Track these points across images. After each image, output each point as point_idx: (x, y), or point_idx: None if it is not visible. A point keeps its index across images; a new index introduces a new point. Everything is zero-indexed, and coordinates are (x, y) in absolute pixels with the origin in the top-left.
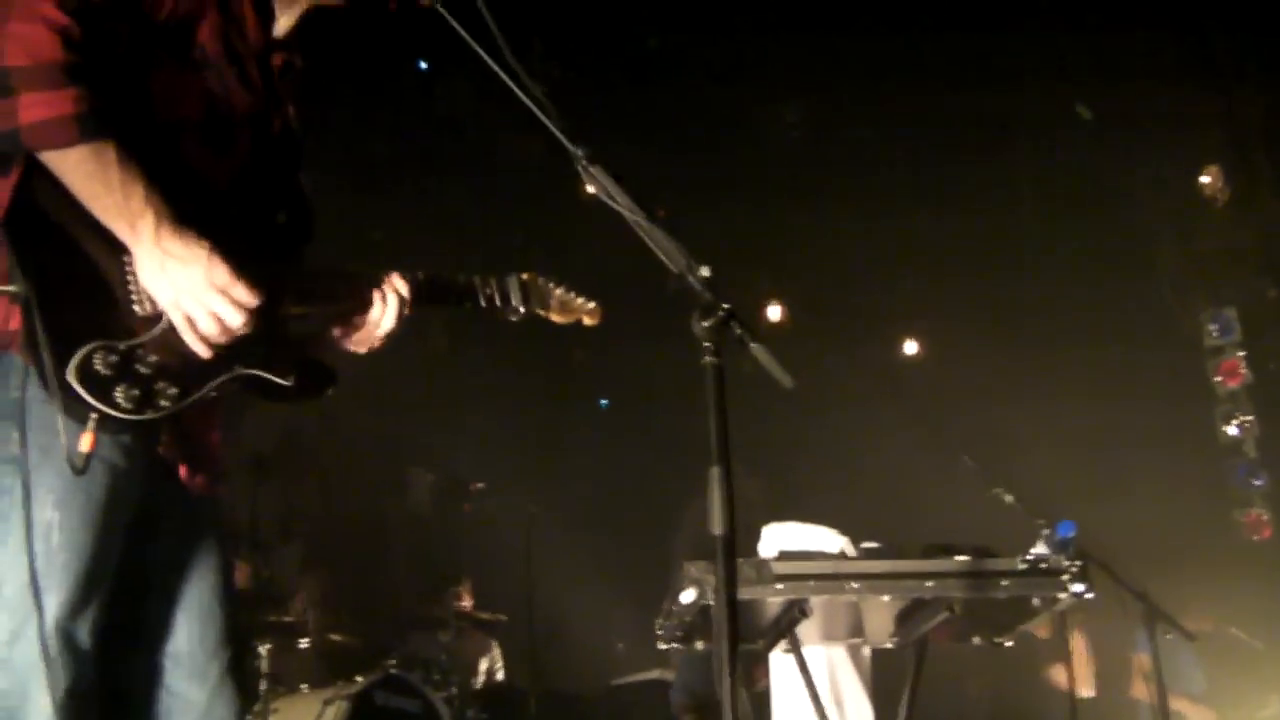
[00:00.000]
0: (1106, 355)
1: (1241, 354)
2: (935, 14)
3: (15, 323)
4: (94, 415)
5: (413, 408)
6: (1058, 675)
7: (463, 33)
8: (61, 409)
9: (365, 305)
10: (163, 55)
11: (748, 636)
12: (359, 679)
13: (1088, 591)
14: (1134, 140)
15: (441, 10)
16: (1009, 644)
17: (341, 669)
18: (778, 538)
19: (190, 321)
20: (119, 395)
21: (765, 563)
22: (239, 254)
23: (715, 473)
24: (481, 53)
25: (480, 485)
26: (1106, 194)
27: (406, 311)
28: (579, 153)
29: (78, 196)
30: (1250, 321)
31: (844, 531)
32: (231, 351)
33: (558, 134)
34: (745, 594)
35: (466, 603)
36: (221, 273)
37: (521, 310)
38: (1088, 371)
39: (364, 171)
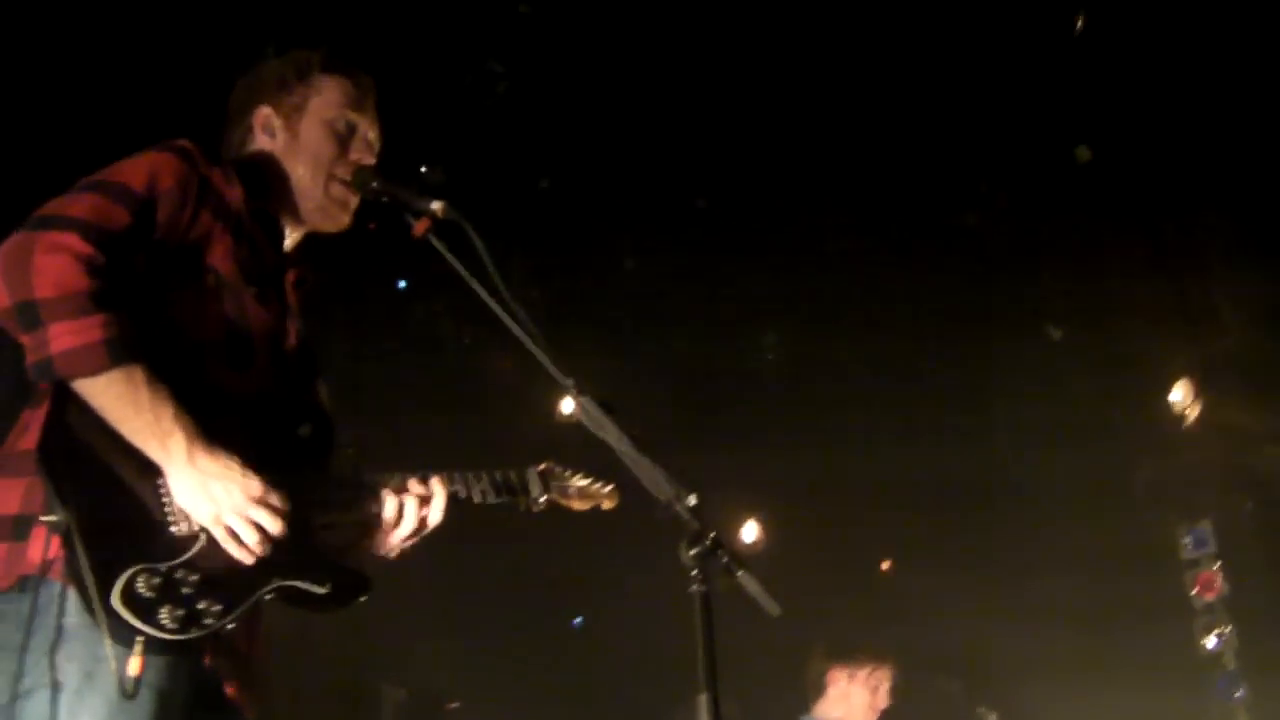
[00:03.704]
0: (1084, 573)
1: (1217, 566)
2: (910, 247)
3: (55, 550)
4: (140, 638)
5: (385, 621)
6: None
7: (456, 264)
8: (109, 634)
9: (384, 512)
10: (178, 280)
11: None
12: None
13: None
14: (1103, 361)
15: (435, 242)
16: None
17: None
18: None
19: (232, 534)
20: (164, 616)
21: None
22: (266, 466)
23: (703, 700)
24: (472, 282)
25: (455, 705)
26: (1078, 415)
27: (431, 515)
28: (569, 383)
29: (109, 420)
30: (1225, 534)
31: None
32: (268, 565)
33: (547, 364)
34: None
35: None
36: (255, 484)
37: (542, 501)
38: (1066, 590)
39: (340, 389)
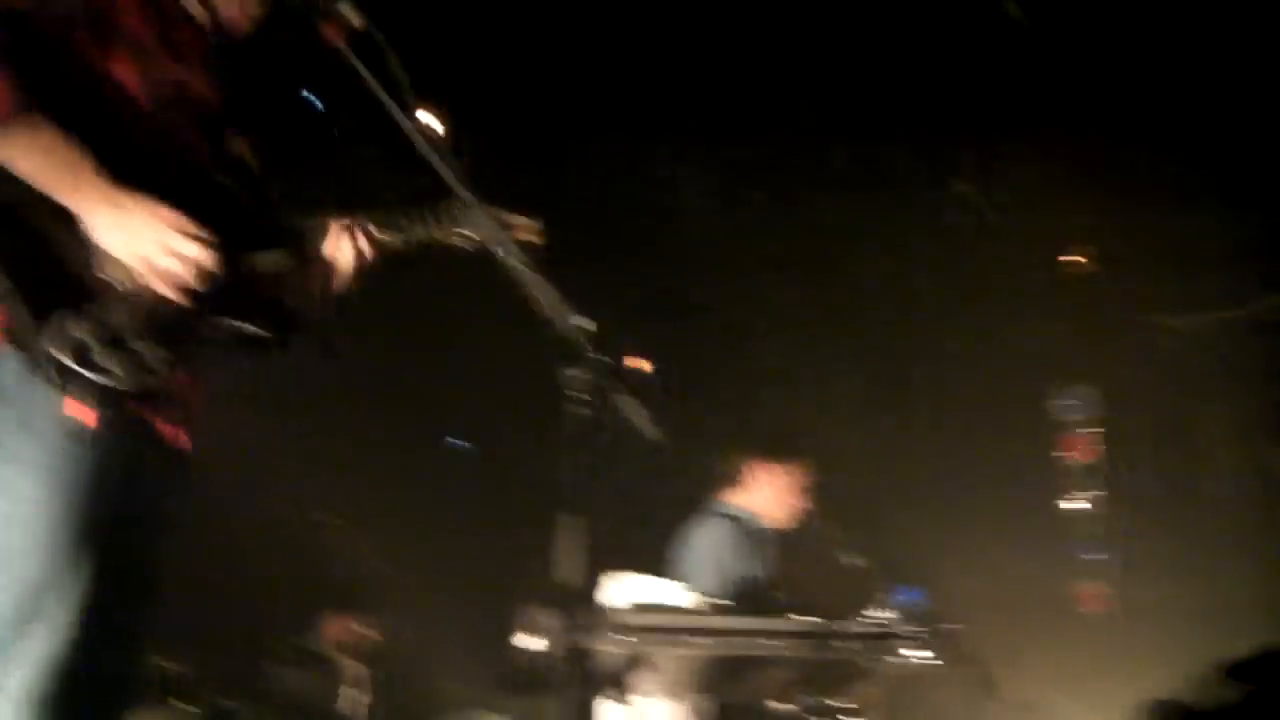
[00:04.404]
0: (960, 423)
1: (1092, 431)
2: (821, 95)
3: None
4: (86, 388)
5: (266, 434)
6: None
7: (365, 73)
8: (58, 386)
9: (323, 253)
10: (91, 43)
11: (586, 686)
12: (182, 707)
13: (930, 658)
14: (1006, 219)
15: (346, 50)
16: (845, 705)
17: (165, 696)
18: (622, 588)
19: (153, 267)
20: (110, 364)
21: (608, 612)
22: (191, 212)
23: (567, 519)
24: (382, 95)
25: (328, 517)
26: (977, 269)
27: (364, 252)
28: (470, 197)
29: (21, 172)
30: (1104, 399)
31: None
32: (205, 307)
33: (450, 179)
34: (587, 643)
35: (311, 637)
36: (169, 211)
37: (456, 237)
38: (940, 439)
39: None
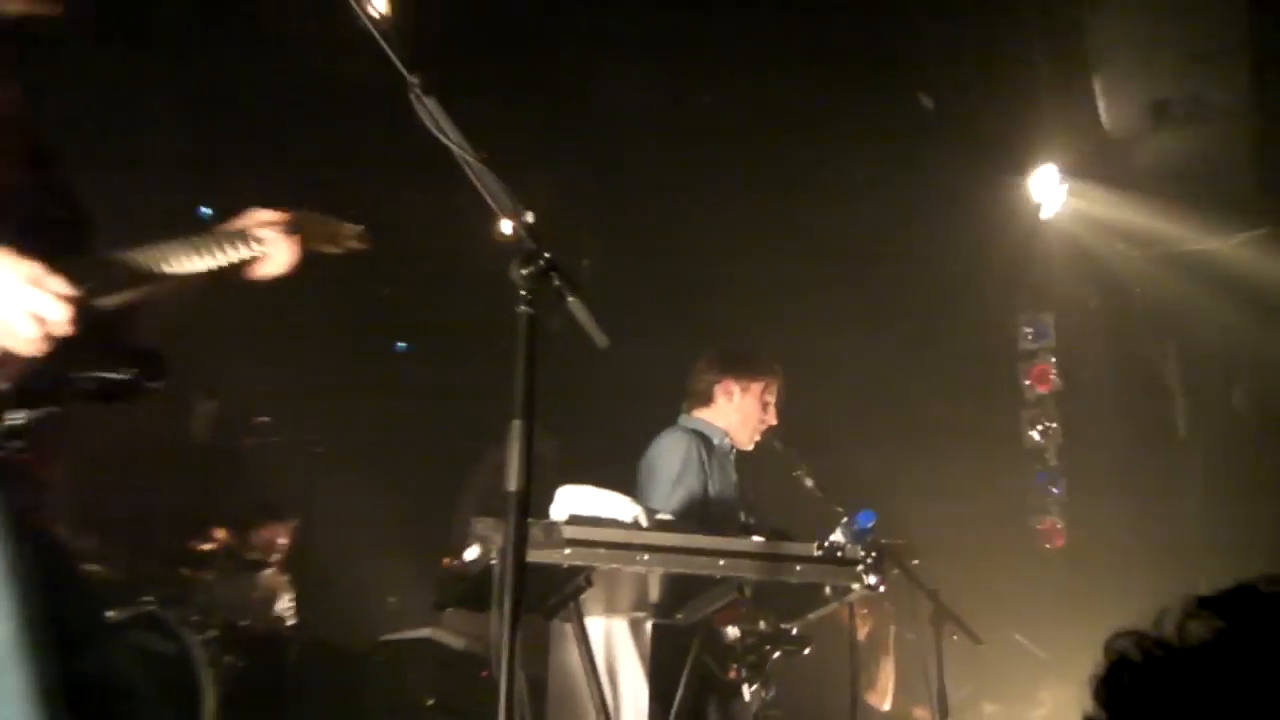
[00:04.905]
0: (920, 349)
1: (1053, 360)
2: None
3: None
4: None
5: (202, 330)
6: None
7: None
8: None
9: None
10: None
11: (528, 602)
12: (112, 614)
13: (880, 584)
14: (969, 143)
15: None
16: (794, 630)
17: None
18: (571, 500)
19: (10, 330)
20: None
21: (555, 525)
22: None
23: (516, 426)
24: None
25: (265, 419)
26: (937, 193)
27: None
28: (413, 80)
29: None
30: (1066, 329)
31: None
32: (64, 361)
33: (394, 59)
34: (532, 557)
35: (240, 542)
36: (28, 267)
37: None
38: (900, 364)
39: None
